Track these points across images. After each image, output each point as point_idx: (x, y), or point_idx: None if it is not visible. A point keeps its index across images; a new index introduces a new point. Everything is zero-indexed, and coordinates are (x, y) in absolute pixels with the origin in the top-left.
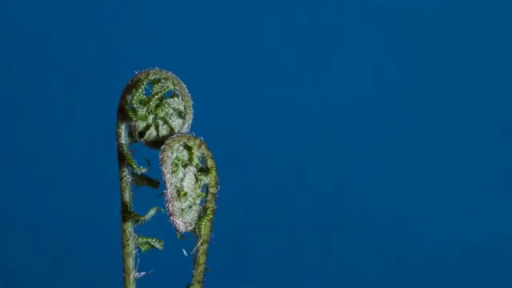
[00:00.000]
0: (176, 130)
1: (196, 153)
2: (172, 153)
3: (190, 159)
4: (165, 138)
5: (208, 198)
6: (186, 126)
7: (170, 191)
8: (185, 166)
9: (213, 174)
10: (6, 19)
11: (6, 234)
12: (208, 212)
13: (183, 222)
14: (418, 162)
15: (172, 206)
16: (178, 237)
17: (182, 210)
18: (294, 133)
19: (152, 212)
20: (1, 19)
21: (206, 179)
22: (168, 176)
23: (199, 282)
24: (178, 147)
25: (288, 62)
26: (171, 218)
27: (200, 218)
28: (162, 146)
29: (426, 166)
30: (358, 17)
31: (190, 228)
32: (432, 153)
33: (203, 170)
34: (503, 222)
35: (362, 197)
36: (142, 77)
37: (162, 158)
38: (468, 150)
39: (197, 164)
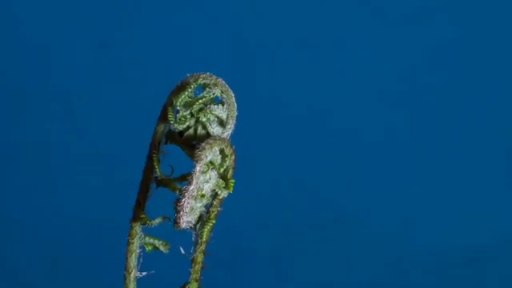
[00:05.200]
0: None
1: (227, 162)
2: (210, 153)
3: (221, 166)
4: (202, 139)
5: (214, 203)
6: (224, 135)
7: (193, 189)
8: (212, 169)
9: (231, 186)
10: (6, 19)
11: (6, 234)
12: (211, 217)
13: (187, 220)
14: (417, 162)
15: (188, 202)
16: (174, 227)
17: (192, 209)
18: (293, 133)
19: (158, 220)
20: (1, 18)
21: (224, 192)
22: (198, 174)
23: (196, 281)
24: (216, 151)
25: (288, 61)
26: (180, 212)
27: (201, 218)
28: (203, 144)
29: (425, 166)
30: (359, 17)
31: (187, 226)
32: (432, 153)
33: (223, 178)
34: (503, 222)
35: (361, 197)
36: (191, 80)
37: (200, 156)
38: (468, 149)
39: (222, 172)
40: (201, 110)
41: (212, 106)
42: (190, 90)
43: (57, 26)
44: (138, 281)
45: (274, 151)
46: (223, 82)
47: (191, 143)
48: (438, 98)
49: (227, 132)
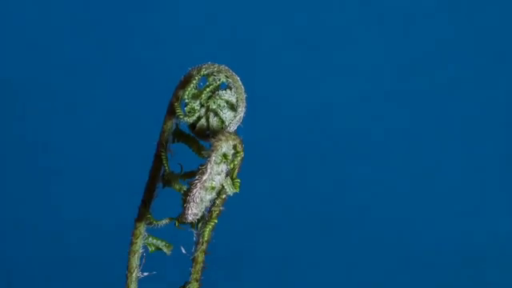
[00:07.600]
0: (227, 123)
1: (238, 158)
2: (225, 145)
3: (232, 161)
4: (215, 127)
5: (217, 202)
6: (237, 118)
7: (206, 178)
8: (225, 163)
9: (237, 186)
10: (7, 18)
11: (6, 233)
12: (213, 216)
13: (194, 212)
14: (417, 161)
15: (199, 193)
16: (176, 225)
17: (201, 200)
18: (294, 132)
19: (165, 221)
20: (1, 18)
21: (231, 189)
22: (212, 164)
23: (197, 281)
24: (230, 145)
25: (288, 61)
26: (190, 203)
27: (203, 218)
28: (220, 135)
29: (425, 166)
30: (359, 17)
31: (193, 219)
32: (432, 153)
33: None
34: (503, 221)
35: (361, 197)
36: (195, 72)
37: (216, 146)
38: (468, 149)
39: (231, 169)
40: (209, 97)
41: (220, 92)
42: (194, 81)
43: (57, 25)
44: (139, 280)
45: (274, 151)
46: (226, 67)
47: (205, 133)
48: (438, 97)
49: (239, 115)
